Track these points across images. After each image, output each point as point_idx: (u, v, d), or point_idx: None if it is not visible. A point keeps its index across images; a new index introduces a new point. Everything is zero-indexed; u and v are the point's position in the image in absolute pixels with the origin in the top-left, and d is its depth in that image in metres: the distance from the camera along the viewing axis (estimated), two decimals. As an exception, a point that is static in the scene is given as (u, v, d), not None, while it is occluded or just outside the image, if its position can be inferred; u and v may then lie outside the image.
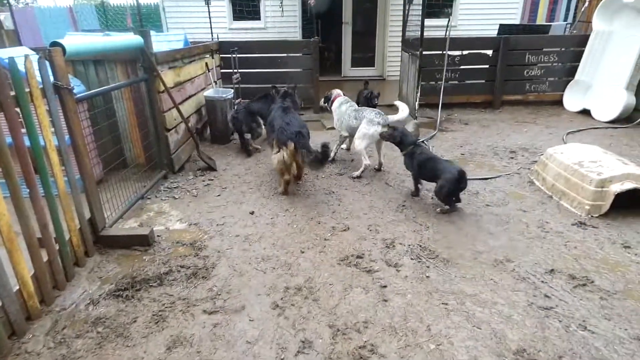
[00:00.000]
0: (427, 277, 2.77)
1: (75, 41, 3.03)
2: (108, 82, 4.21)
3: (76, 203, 2.90)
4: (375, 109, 4.58)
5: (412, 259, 2.98)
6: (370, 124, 4.36)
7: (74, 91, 2.89)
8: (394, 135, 4.02)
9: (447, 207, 3.66)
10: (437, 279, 2.75)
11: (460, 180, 3.52)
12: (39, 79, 2.53)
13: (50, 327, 2.37)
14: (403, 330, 2.30)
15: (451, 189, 3.55)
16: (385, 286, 2.68)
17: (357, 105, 4.90)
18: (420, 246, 3.14)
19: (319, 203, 3.91)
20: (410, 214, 3.66)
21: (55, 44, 2.71)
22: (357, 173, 4.53)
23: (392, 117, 4.38)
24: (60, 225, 2.70)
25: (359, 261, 2.96)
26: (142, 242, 3.17)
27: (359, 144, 4.43)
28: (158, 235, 3.33)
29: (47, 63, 2.62)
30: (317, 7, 9.22)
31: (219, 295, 2.61)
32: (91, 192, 3.07)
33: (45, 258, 2.55)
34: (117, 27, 12.78)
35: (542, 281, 2.69)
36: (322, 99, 5.33)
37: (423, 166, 3.81)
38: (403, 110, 4.40)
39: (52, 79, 2.67)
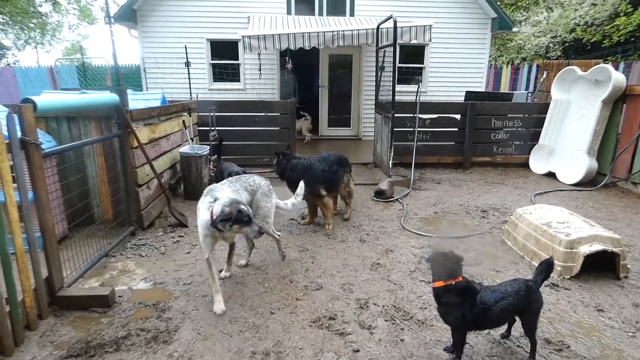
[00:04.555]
0: (402, 340, 2.67)
1: (49, 98, 3.03)
2: (81, 138, 4.17)
3: (33, 261, 2.74)
4: (257, 175, 3.66)
5: (386, 320, 2.89)
6: (271, 194, 3.57)
7: (43, 147, 2.85)
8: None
9: None
10: (412, 342, 2.65)
11: None
12: (5, 133, 2.49)
13: (-13, 400, 2.13)
14: (376, 399, 2.16)
15: None
16: (358, 350, 2.56)
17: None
18: (395, 307, 3.06)
19: (292, 261, 3.82)
20: (384, 272, 3.61)
21: (26, 100, 2.71)
22: (281, 255, 3.82)
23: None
24: (13, 285, 2.52)
25: (332, 323, 2.84)
26: (102, 303, 2.98)
27: (271, 222, 3.58)
28: (120, 296, 3.14)
29: (16, 118, 2.60)
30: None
31: (180, 361, 2.43)
32: (51, 249, 2.92)
33: (-7, 321, 2.35)
34: (96, 86, 13.03)
35: (518, 345, 2.62)
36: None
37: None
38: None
39: (19, 134, 2.63)
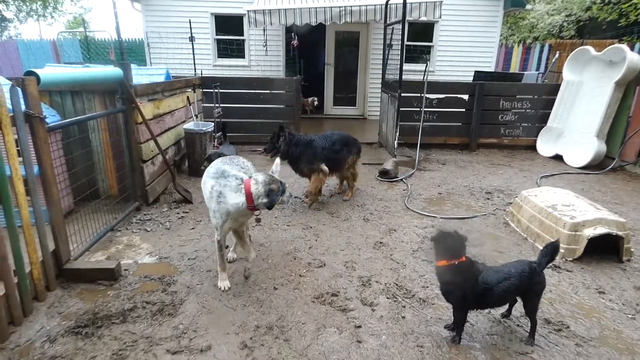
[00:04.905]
0: (403, 317, 2.70)
1: (53, 71, 3.00)
2: (85, 113, 4.16)
3: (40, 234, 2.77)
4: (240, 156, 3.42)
5: (388, 298, 2.92)
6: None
7: (48, 121, 2.84)
8: None
9: None
10: (413, 319, 2.69)
11: None
12: (9, 107, 2.48)
13: (-1, 366, 2.20)
14: (376, 373, 2.21)
15: None
16: (359, 326, 2.60)
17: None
18: (397, 285, 3.08)
19: (295, 238, 3.85)
20: (387, 251, 3.63)
21: (30, 73, 2.68)
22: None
23: None
24: (21, 257, 2.56)
25: (334, 299, 2.88)
26: (108, 276, 3.02)
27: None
28: (125, 269, 3.19)
29: (19, 91, 2.58)
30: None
31: (185, 333, 2.48)
32: (57, 223, 2.95)
33: (2, 291, 2.40)
34: (99, 60, 12.93)
35: (518, 325, 2.65)
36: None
37: None
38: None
39: (23, 107, 2.62)
